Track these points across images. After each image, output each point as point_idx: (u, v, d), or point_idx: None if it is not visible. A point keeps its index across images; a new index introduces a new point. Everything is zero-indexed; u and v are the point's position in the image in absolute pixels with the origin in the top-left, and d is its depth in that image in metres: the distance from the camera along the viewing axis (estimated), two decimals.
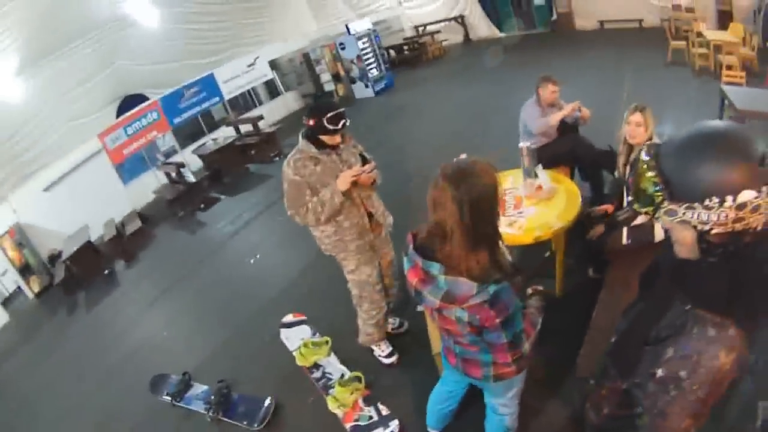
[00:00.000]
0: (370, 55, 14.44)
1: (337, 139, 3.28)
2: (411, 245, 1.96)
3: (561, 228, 3.65)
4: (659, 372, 1.22)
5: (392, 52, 17.63)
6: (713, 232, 1.11)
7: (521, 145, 4.19)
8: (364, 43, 14.36)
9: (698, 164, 1.08)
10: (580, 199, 3.91)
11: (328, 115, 3.17)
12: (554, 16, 17.13)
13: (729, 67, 8.15)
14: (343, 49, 14.42)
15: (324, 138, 3.24)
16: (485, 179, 1.76)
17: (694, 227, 1.12)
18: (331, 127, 3.18)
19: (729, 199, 1.04)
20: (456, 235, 1.75)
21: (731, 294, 1.15)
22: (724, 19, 11.94)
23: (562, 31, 16.29)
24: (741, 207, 1.04)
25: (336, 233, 3.46)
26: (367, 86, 14.43)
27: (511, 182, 4.36)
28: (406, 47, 17.96)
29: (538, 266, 4.57)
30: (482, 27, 18.53)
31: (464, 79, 13.09)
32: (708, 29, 10.46)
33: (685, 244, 1.20)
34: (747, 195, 1.03)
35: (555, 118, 4.89)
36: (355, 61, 14.27)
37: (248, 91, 13.77)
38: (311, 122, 3.21)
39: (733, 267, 1.15)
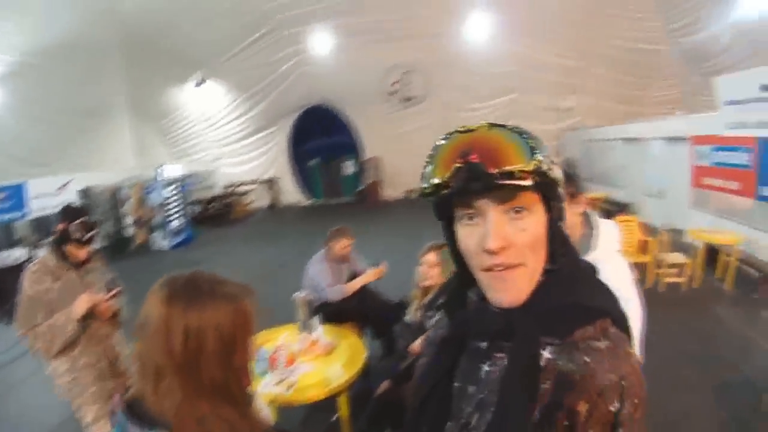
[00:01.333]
0: (175, 205, 14.05)
1: (83, 253, 3.00)
2: (119, 407, 1.21)
3: (340, 386, 3.42)
4: None
5: (199, 206, 17.43)
6: (562, 196, 0.94)
7: (295, 295, 4.06)
8: (171, 191, 14.00)
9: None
10: (365, 354, 3.74)
11: (77, 221, 2.94)
12: (362, 186, 18.42)
13: None
14: (149, 193, 13.89)
15: (69, 249, 2.95)
16: (230, 302, 1.19)
17: (558, 186, 0.91)
18: (77, 235, 2.93)
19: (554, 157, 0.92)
20: (174, 378, 1.12)
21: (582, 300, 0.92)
22: None
23: (370, 200, 17.45)
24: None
25: (70, 372, 2.96)
26: (165, 237, 13.77)
27: (284, 338, 4.07)
28: (213, 203, 17.89)
29: None
30: (291, 193, 19.40)
31: (266, 241, 13.22)
32: None
33: (537, 241, 0.89)
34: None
35: (353, 286, 4.70)
36: (158, 208, 13.76)
37: (57, 213, 12.39)
38: (60, 227, 2.95)
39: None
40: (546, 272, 0.93)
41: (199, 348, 1.12)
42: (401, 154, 18.09)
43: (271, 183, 18.97)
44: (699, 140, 9.46)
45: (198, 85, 16.90)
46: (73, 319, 2.81)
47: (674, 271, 6.95)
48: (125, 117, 16.88)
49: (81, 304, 2.82)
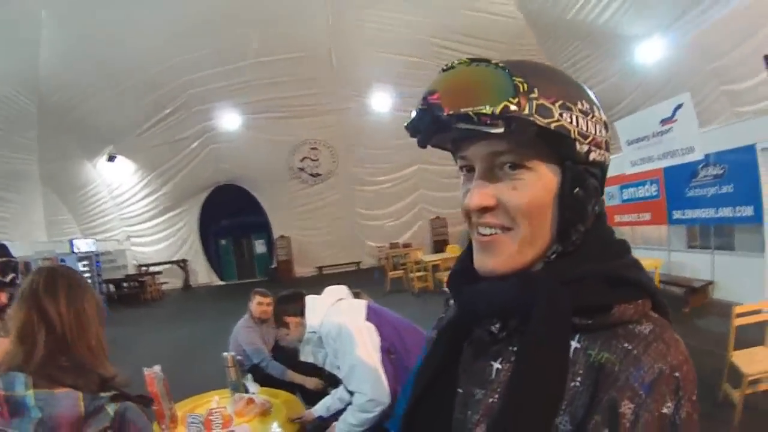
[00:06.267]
0: (89, 279, 13.25)
1: (2, 297, 2.79)
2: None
3: None
4: None
5: (111, 286, 16.60)
6: (592, 156, 0.73)
7: (225, 354, 3.81)
8: (84, 265, 13.40)
9: (557, 69, 0.77)
10: (303, 410, 3.53)
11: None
12: (274, 264, 18.23)
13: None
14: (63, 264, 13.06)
15: None
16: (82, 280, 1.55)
17: (573, 142, 0.70)
18: None
19: (597, 110, 0.74)
20: (47, 333, 1.36)
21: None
22: (439, 246, 15.06)
23: (282, 278, 17.13)
24: (606, 127, 0.76)
25: None
26: None
27: (216, 402, 3.71)
28: (125, 284, 17.02)
29: None
30: (203, 273, 18.87)
31: (181, 321, 12.68)
32: (425, 255, 12.70)
33: (536, 206, 0.72)
34: (605, 117, 0.77)
35: (293, 377, 4.46)
36: None
37: None
38: None
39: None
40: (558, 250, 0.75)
41: (80, 315, 1.43)
42: (310, 231, 18.35)
43: (183, 263, 18.21)
44: (606, 182, 10.06)
45: (110, 160, 16.28)
46: None
47: None
48: (38, 188, 16.01)
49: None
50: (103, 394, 1.32)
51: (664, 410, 0.63)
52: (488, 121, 0.66)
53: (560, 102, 0.69)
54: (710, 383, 4.26)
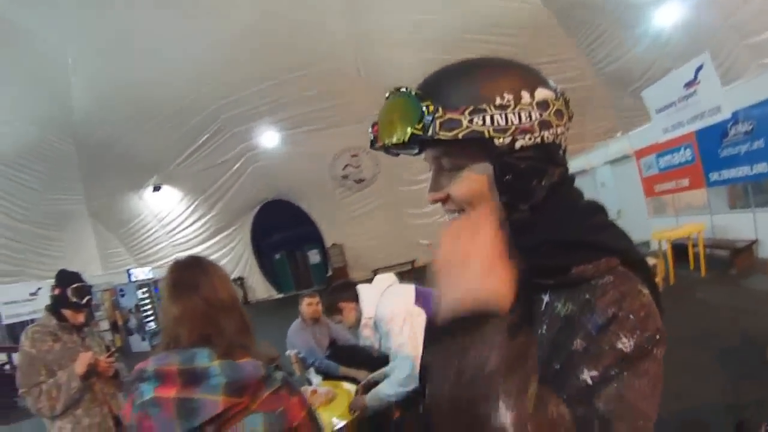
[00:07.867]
0: (149, 306, 13.79)
1: (81, 317, 3.05)
2: (148, 363, 1.41)
3: (346, 425, 3.34)
4: (588, 376, 0.73)
5: None
6: (518, 144, 0.78)
7: (289, 352, 4.15)
8: (144, 292, 13.82)
9: (473, 68, 0.84)
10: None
11: (73, 285, 2.98)
12: (330, 272, 18.37)
13: None
14: (123, 296, 13.63)
15: (67, 313, 3.00)
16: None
17: (490, 140, 0.77)
18: (74, 299, 2.98)
19: (525, 95, 0.78)
20: (226, 318, 1.46)
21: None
22: None
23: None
24: (543, 106, 0.79)
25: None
26: (144, 339, 13.36)
27: None
28: None
29: None
30: (261, 288, 19.23)
31: None
32: None
33: (474, 195, 0.84)
34: (544, 93, 0.80)
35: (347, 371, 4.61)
36: (133, 310, 13.50)
37: (31, 320, 11.94)
38: (56, 291, 3.01)
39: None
40: (520, 215, 0.85)
41: (234, 296, 1.54)
42: (361, 237, 18.51)
43: (240, 281, 18.73)
44: (642, 153, 9.98)
45: (155, 190, 16.83)
46: (77, 375, 2.81)
47: None
48: (88, 225, 16.70)
49: (83, 362, 2.85)
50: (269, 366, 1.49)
51: (619, 345, 0.72)
52: (403, 147, 0.82)
53: (470, 109, 0.76)
54: (759, 343, 4.19)
